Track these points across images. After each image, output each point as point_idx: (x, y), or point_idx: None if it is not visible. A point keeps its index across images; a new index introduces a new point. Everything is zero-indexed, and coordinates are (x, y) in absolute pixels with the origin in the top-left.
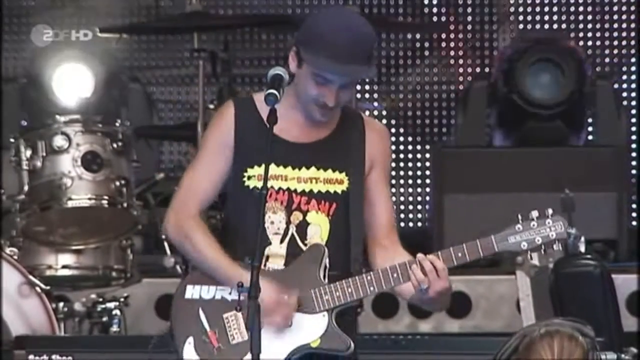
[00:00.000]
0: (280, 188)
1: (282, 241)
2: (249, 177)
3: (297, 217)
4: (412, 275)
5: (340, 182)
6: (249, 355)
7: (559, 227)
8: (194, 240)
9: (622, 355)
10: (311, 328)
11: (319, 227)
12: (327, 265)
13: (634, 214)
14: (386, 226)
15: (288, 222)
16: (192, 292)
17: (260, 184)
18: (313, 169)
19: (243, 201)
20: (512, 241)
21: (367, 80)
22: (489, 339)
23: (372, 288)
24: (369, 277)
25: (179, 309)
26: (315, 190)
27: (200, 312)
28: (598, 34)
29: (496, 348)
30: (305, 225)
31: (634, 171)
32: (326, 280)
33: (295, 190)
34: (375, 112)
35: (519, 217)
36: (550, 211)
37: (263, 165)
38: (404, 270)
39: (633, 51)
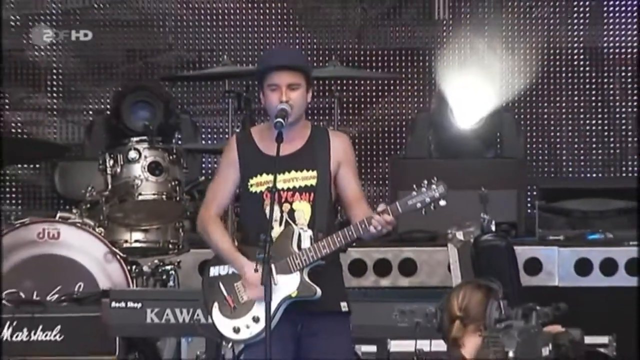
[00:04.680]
0: (272, 190)
1: (280, 224)
2: (252, 185)
3: (286, 207)
4: (374, 227)
5: (313, 178)
6: (253, 308)
7: (440, 188)
8: (210, 233)
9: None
10: (290, 284)
11: (302, 212)
12: (303, 238)
13: (528, 205)
14: (354, 199)
15: (282, 212)
16: (214, 271)
17: (258, 189)
18: (293, 171)
19: (248, 202)
20: (410, 203)
21: (345, 111)
22: (430, 290)
23: (325, 250)
24: (323, 242)
25: (207, 283)
26: (297, 186)
27: (220, 284)
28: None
29: (435, 297)
30: (293, 212)
31: (528, 175)
32: (297, 249)
33: (282, 189)
34: (351, 134)
35: (414, 186)
36: (435, 178)
37: (259, 176)
38: (345, 233)
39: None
